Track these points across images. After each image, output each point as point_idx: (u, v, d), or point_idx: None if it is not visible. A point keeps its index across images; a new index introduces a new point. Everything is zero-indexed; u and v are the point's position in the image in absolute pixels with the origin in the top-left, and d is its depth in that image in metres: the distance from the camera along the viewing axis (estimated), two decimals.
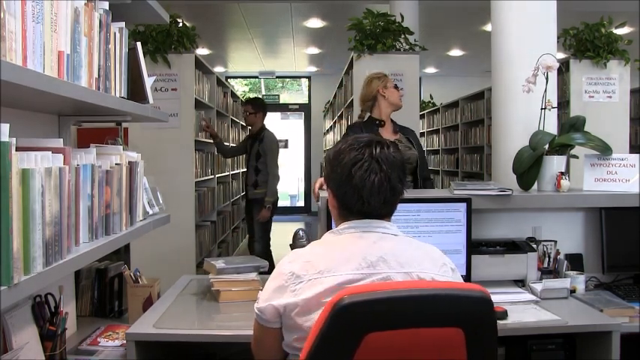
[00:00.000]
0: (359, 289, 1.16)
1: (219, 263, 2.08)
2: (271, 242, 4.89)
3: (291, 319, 1.29)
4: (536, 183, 2.34)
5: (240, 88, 12.12)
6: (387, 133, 2.92)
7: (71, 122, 1.73)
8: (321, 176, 2.11)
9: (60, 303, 1.58)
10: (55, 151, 1.18)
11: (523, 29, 2.90)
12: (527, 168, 2.29)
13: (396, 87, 3.05)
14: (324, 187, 1.88)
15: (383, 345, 1.13)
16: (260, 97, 5.19)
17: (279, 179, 4.78)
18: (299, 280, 1.27)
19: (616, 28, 5.52)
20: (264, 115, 4.89)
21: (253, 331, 1.41)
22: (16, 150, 1.00)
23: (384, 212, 1.36)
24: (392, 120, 3.03)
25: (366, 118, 3.02)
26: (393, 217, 1.40)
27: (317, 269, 1.27)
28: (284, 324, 1.32)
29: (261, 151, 4.71)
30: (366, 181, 1.30)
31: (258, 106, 4.87)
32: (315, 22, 7.69)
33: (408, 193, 2.30)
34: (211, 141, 4.96)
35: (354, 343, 1.11)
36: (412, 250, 1.34)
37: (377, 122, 2.94)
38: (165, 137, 4.06)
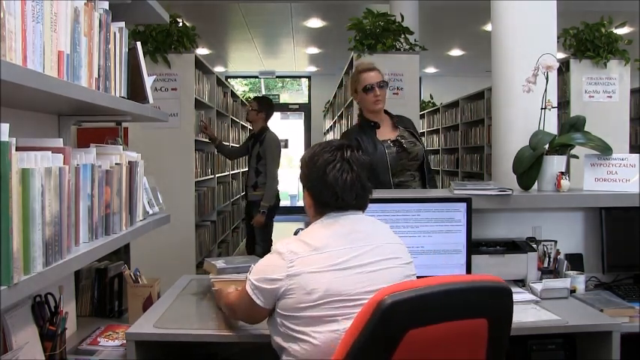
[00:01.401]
0: (397, 287, 1.21)
1: (220, 263, 2.08)
2: (273, 244, 4.82)
3: (287, 297, 1.38)
4: (536, 183, 2.34)
5: (240, 88, 12.12)
6: (386, 134, 2.73)
7: (71, 122, 1.73)
8: None
9: (60, 303, 1.58)
10: (55, 150, 1.18)
11: (523, 29, 2.90)
12: (527, 168, 2.29)
13: (369, 88, 2.67)
14: None
15: (421, 340, 1.18)
16: (269, 98, 5.06)
17: (277, 183, 4.67)
18: (297, 256, 1.39)
19: (616, 28, 5.53)
20: (268, 116, 4.77)
21: (239, 299, 1.54)
22: (16, 150, 1.00)
23: (357, 206, 1.51)
24: (388, 113, 2.81)
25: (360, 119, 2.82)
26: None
27: (312, 247, 1.40)
28: (280, 304, 1.40)
29: (261, 152, 4.61)
30: (339, 179, 1.45)
31: (263, 106, 4.76)
32: (315, 22, 7.69)
33: (409, 194, 2.31)
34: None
35: (396, 340, 1.16)
36: (382, 228, 1.54)
37: (372, 124, 2.74)
38: (166, 137, 4.06)
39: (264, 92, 12.27)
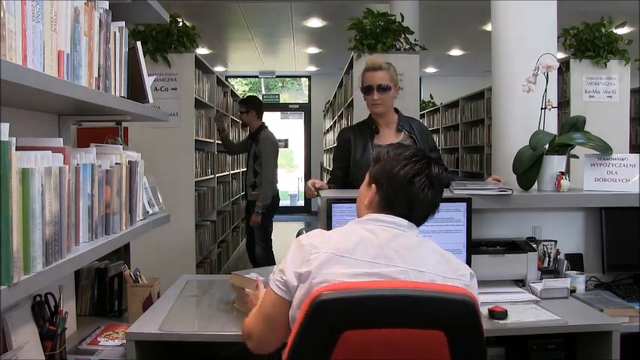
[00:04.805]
0: (338, 286, 1.18)
1: (258, 276, 1.86)
2: (272, 244, 4.80)
3: (302, 292, 1.28)
4: (536, 183, 2.34)
5: (240, 87, 12.12)
6: (386, 138, 2.57)
7: (71, 122, 1.73)
8: (325, 174, 1.91)
9: (60, 302, 1.58)
10: (55, 150, 1.18)
11: (523, 29, 2.90)
12: (527, 168, 2.29)
13: (368, 90, 2.54)
14: (324, 187, 1.84)
15: (361, 343, 1.14)
16: (254, 95, 5.04)
17: (276, 182, 4.64)
18: (315, 250, 1.30)
19: (616, 28, 5.53)
20: (259, 113, 4.72)
21: (262, 311, 1.40)
22: (16, 149, 1.00)
23: (418, 222, 1.42)
24: (397, 111, 2.67)
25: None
26: None
27: (335, 246, 1.30)
28: (297, 297, 1.30)
29: (257, 151, 4.59)
30: (421, 192, 1.37)
31: (250, 105, 4.73)
32: (315, 22, 7.69)
33: None
34: (211, 140, 4.94)
35: (332, 339, 1.13)
36: (430, 252, 1.36)
37: (373, 127, 2.61)
38: (165, 137, 4.06)
39: (264, 92, 12.27)
